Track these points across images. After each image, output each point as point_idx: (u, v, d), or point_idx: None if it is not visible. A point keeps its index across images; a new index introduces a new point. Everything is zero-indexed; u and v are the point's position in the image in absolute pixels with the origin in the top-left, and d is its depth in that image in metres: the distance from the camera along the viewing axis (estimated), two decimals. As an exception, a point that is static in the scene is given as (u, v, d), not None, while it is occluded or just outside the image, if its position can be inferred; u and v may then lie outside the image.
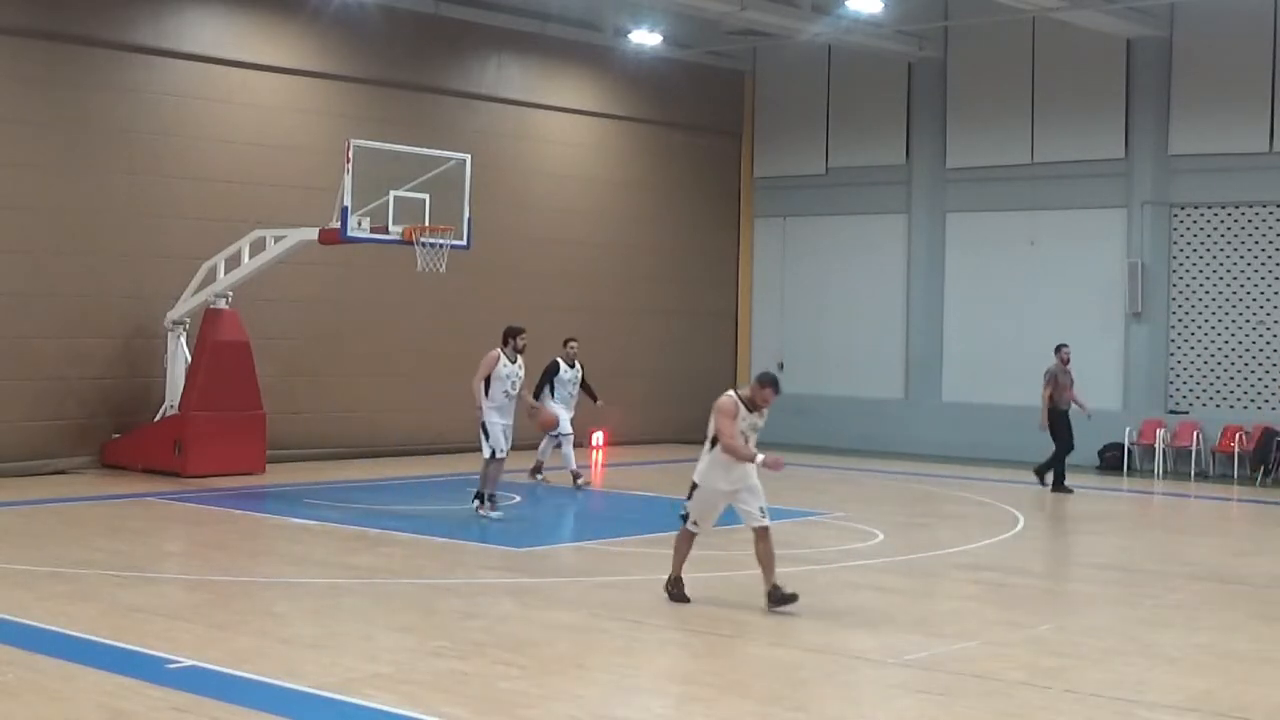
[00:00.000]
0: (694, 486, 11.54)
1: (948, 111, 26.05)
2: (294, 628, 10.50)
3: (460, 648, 9.82)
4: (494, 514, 16.05)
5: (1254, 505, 20.58)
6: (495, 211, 22.77)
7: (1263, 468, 22.35)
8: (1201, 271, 23.83)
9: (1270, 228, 23.24)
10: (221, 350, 19.61)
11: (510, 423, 16.15)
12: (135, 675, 8.82)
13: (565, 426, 19.30)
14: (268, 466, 20.03)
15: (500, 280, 24.14)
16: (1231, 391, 23.60)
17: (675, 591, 11.61)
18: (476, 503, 16.17)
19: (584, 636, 10.38)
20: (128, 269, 20.16)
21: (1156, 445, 23.15)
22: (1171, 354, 24.10)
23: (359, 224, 18.11)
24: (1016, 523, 17.05)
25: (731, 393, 11.49)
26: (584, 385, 19.98)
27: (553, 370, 19.56)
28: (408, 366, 23.33)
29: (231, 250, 19.66)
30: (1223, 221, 23.66)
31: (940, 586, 13.01)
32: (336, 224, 18.13)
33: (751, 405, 11.40)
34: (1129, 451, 23.31)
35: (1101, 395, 23.77)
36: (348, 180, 17.89)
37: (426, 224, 18.34)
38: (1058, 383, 20.15)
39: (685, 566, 11.69)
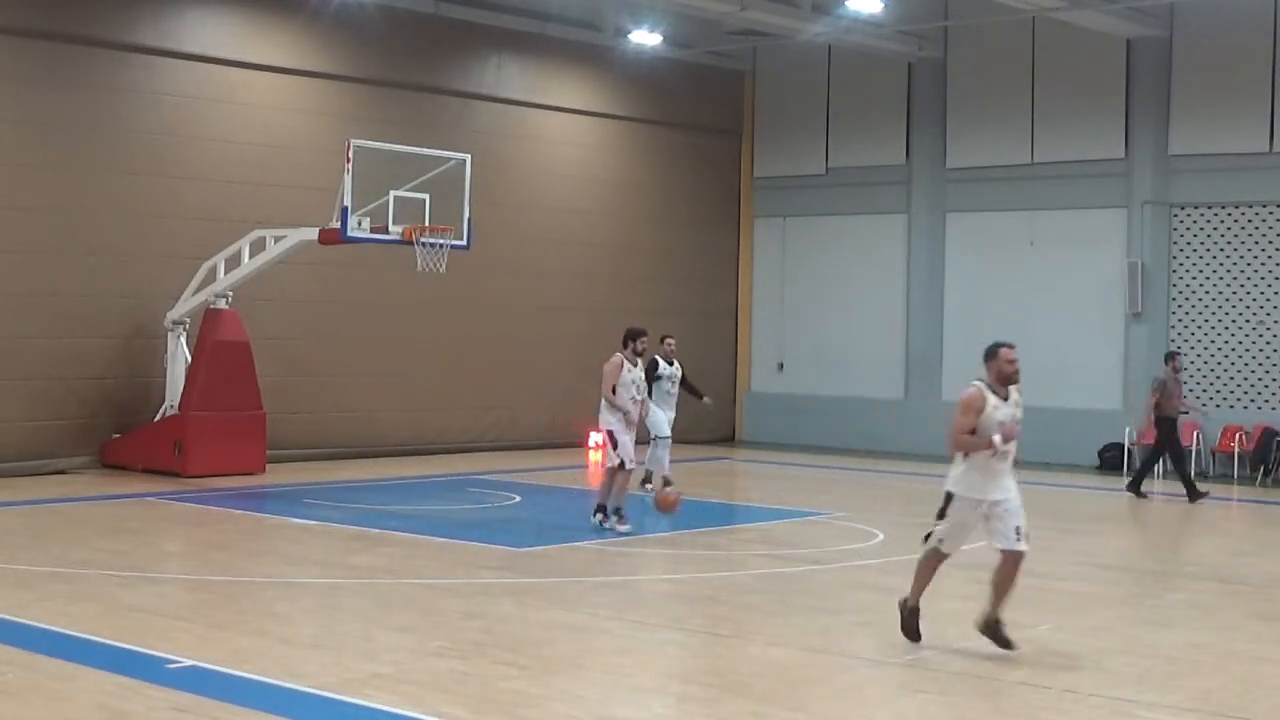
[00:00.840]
0: (948, 497, 9.89)
1: (948, 111, 26.03)
2: (294, 628, 10.50)
3: (460, 648, 9.81)
4: (622, 528, 14.98)
5: (1254, 505, 20.58)
6: (495, 211, 22.76)
7: (1263, 468, 22.35)
8: (1201, 271, 23.83)
9: (1270, 228, 23.23)
10: (221, 350, 19.61)
11: (634, 432, 15.29)
12: (135, 675, 8.82)
13: (664, 429, 18.35)
14: (268, 466, 20.03)
15: (500, 280, 24.14)
16: (1231, 391, 23.60)
17: (910, 622, 10.08)
18: (599, 516, 15.18)
19: (584, 636, 10.38)
20: (128, 269, 20.16)
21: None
22: (1171, 354, 24.09)
23: (359, 224, 18.13)
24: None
25: (976, 382, 9.82)
26: (684, 383, 19.00)
27: (652, 368, 18.14)
28: (408, 366, 23.32)
29: (231, 250, 19.67)
30: (1223, 221, 23.65)
31: (940, 586, 12.94)
32: (336, 224, 18.15)
33: (1002, 383, 9.77)
34: (1129, 451, 23.28)
35: (1101, 395, 23.79)
36: (348, 180, 17.90)
37: (426, 224, 18.36)
38: (1166, 390, 19.97)
39: (923, 594, 10.10)
